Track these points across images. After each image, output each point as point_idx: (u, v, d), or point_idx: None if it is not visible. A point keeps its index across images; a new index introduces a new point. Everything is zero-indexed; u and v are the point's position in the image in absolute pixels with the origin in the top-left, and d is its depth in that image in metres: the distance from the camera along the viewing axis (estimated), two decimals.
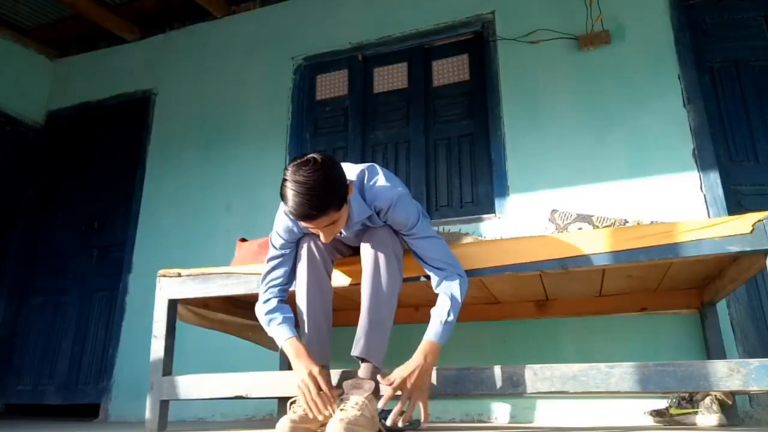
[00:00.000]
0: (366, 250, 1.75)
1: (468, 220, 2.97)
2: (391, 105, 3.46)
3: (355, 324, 1.72)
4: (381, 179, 1.76)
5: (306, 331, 1.76)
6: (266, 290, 1.84)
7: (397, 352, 2.40)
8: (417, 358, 1.63)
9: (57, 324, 3.84)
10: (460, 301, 1.71)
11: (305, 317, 1.76)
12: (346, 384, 1.64)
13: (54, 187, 4.22)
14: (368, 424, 1.55)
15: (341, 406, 1.58)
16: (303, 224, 1.61)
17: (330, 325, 1.81)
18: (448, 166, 3.22)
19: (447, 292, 1.72)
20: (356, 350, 1.68)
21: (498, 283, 2.18)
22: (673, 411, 2.10)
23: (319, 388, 1.60)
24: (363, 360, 1.69)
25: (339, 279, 1.94)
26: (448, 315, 1.68)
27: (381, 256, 1.72)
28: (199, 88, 3.93)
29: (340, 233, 1.81)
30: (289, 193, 1.52)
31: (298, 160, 1.56)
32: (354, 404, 1.56)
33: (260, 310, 1.83)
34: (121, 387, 3.41)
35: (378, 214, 1.74)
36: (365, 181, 1.75)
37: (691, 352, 2.43)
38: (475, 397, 2.61)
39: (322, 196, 1.52)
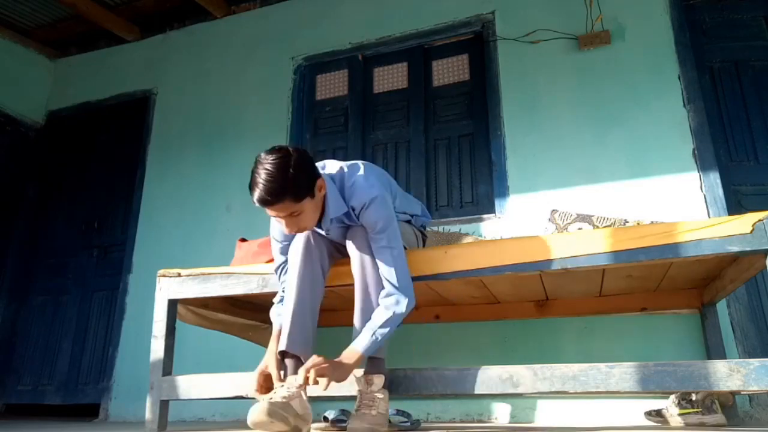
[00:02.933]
0: (351, 250, 1.77)
1: (468, 220, 2.97)
2: (391, 105, 3.46)
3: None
4: (360, 178, 1.75)
5: (290, 319, 1.73)
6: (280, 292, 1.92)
7: (397, 351, 2.41)
8: (341, 360, 1.62)
9: (57, 324, 3.84)
10: (400, 321, 1.69)
11: (292, 307, 1.74)
12: (357, 381, 1.68)
13: (54, 187, 4.22)
14: (383, 421, 1.62)
15: (356, 405, 1.63)
16: (268, 212, 1.62)
17: (315, 320, 1.79)
18: (448, 166, 3.22)
19: (391, 307, 1.68)
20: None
21: (498, 283, 2.18)
22: (672, 411, 2.10)
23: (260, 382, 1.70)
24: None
25: (337, 279, 1.93)
26: (383, 327, 1.66)
27: (366, 255, 1.73)
28: (199, 88, 3.93)
29: (323, 229, 1.81)
30: (254, 177, 1.57)
31: (271, 148, 1.61)
32: (369, 402, 1.61)
33: (273, 308, 1.90)
34: (121, 387, 3.41)
35: (354, 211, 1.75)
36: (345, 179, 1.76)
37: (691, 352, 2.43)
38: (475, 397, 2.61)
39: (279, 183, 1.54)
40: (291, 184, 1.55)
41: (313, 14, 3.77)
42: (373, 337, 1.65)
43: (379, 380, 1.66)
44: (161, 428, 2.04)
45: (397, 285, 1.70)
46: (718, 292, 2.14)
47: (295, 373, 1.65)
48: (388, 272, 1.71)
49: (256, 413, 1.45)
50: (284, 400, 1.53)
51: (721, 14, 2.96)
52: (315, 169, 1.65)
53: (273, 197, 1.54)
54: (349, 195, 1.74)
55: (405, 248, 1.83)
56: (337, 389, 1.77)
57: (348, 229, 1.81)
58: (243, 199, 3.50)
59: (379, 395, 1.64)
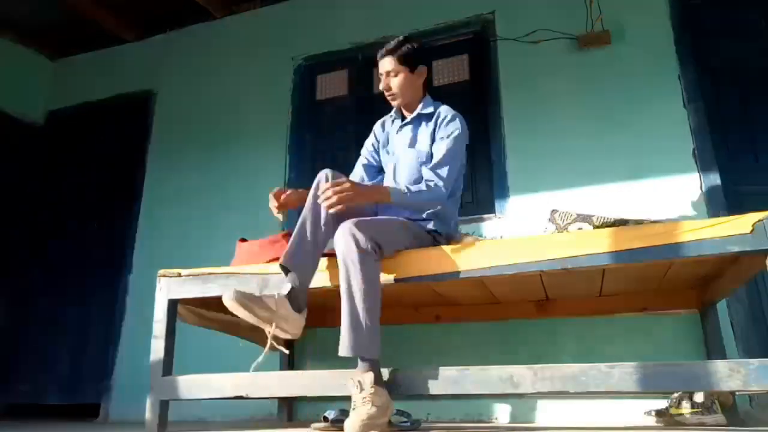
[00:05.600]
0: (337, 247, 1.76)
1: (468, 220, 2.97)
2: (392, 105, 3.45)
3: None
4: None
5: (297, 241, 1.85)
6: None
7: (399, 351, 2.40)
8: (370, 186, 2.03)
9: (57, 324, 3.84)
10: (431, 200, 1.98)
11: (298, 230, 1.87)
12: (348, 385, 1.66)
13: (54, 187, 4.22)
14: (381, 414, 1.60)
15: (352, 405, 1.61)
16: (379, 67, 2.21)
17: (316, 256, 1.88)
18: None
19: (432, 183, 1.98)
20: (342, 350, 1.68)
21: (498, 283, 2.18)
22: (673, 411, 2.10)
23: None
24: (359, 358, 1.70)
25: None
26: (419, 193, 1.94)
27: (351, 253, 1.71)
28: (199, 88, 3.93)
29: (400, 123, 2.31)
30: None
31: None
32: (363, 400, 1.59)
33: None
34: (121, 387, 3.41)
35: (438, 116, 2.16)
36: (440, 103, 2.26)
37: (691, 352, 2.43)
38: (475, 397, 2.61)
39: (395, 45, 2.17)
40: (401, 49, 2.16)
41: (313, 14, 3.77)
42: (406, 193, 1.92)
43: (368, 378, 1.63)
44: (161, 428, 2.04)
45: (444, 177, 1.99)
46: (718, 292, 2.14)
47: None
48: (439, 164, 2.03)
49: (225, 296, 1.73)
50: (260, 296, 1.72)
51: (721, 14, 2.95)
52: (423, 58, 2.21)
53: (385, 51, 2.17)
54: (440, 107, 2.23)
55: (412, 245, 1.92)
56: (337, 389, 1.78)
57: (344, 214, 1.83)
58: (243, 199, 3.51)
59: (371, 390, 1.61)
